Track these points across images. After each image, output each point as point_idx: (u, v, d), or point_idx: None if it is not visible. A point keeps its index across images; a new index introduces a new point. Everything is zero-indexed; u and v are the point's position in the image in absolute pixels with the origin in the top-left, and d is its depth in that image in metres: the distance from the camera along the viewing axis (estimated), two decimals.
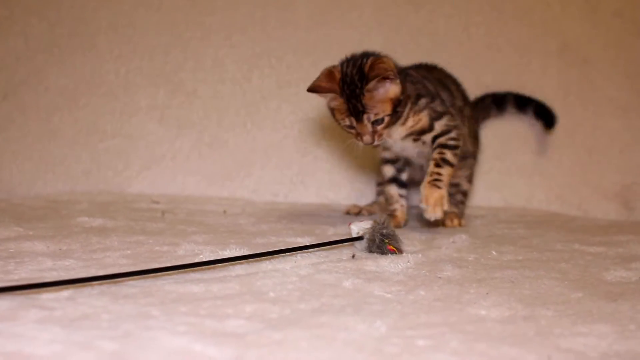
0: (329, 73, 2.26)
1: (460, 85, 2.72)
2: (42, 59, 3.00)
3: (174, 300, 1.45)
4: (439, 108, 2.38)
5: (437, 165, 2.30)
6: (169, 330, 1.25)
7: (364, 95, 2.18)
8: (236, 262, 1.76)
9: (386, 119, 2.23)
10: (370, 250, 1.97)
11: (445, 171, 2.29)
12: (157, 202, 2.74)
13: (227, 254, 1.86)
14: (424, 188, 2.28)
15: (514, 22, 3.10)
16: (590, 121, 3.03)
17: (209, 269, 1.72)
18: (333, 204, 2.89)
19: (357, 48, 3.00)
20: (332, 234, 2.26)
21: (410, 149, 2.44)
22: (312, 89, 2.26)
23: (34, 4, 3.02)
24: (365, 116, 2.21)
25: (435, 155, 2.32)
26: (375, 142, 2.25)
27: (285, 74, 3.03)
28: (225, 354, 1.17)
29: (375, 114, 2.21)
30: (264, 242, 2.05)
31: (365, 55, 2.27)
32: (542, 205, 2.95)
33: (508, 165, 3.00)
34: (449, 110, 2.41)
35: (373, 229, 1.99)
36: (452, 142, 2.34)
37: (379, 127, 2.23)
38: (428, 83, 2.43)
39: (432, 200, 2.25)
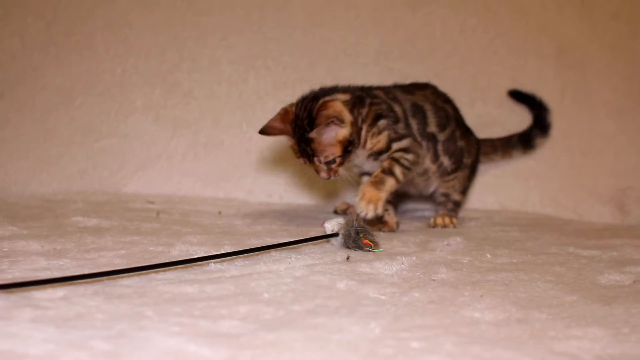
0: (284, 113, 2.29)
1: (450, 102, 2.70)
2: (38, 58, 3.00)
3: (168, 300, 1.45)
4: (401, 130, 2.39)
5: (384, 172, 2.31)
6: (163, 331, 1.25)
7: (312, 140, 2.22)
8: (224, 259, 1.76)
9: (338, 160, 2.25)
10: (347, 245, 2.00)
11: (389, 181, 2.29)
12: (152, 202, 2.74)
13: None
14: (364, 185, 2.28)
15: (510, 25, 3.10)
16: (586, 124, 3.03)
17: (201, 264, 1.72)
18: (328, 205, 2.89)
19: (354, 49, 3.01)
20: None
21: (376, 166, 2.41)
22: (264, 130, 2.31)
23: (30, 3, 3.02)
24: (315, 159, 2.25)
25: (385, 164, 2.34)
26: (332, 178, 2.28)
27: (282, 75, 3.03)
28: (219, 354, 1.17)
29: (325, 157, 2.24)
30: (259, 243, 2.05)
31: (317, 96, 2.30)
32: (537, 209, 2.95)
33: (503, 168, 3.00)
34: (412, 136, 2.43)
35: (347, 224, 2.01)
36: (405, 162, 2.35)
37: (333, 166, 2.26)
38: (397, 105, 2.44)
39: (367, 197, 2.23)
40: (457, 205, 2.67)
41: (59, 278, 1.50)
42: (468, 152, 2.66)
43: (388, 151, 2.35)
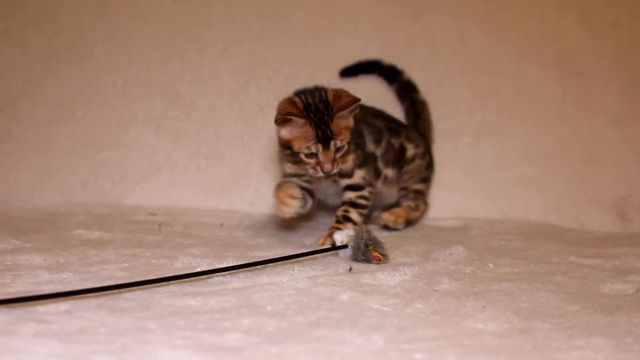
0: (291, 102, 2.26)
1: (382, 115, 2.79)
2: (39, 70, 3.00)
3: (172, 313, 1.45)
4: (361, 157, 2.44)
5: (339, 222, 2.38)
6: (167, 344, 1.25)
7: (332, 121, 2.21)
8: (227, 272, 1.76)
9: (345, 146, 2.26)
10: (355, 258, 2.00)
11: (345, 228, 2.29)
12: (154, 214, 2.74)
13: (225, 266, 1.86)
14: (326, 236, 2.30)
15: (510, 33, 3.10)
16: (587, 132, 3.03)
17: (205, 278, 1.72)
18: (330, 216, 2.89)
19: (354, 59, 3.02)
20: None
21: (329, 188, 2.49)
22: (285, 116, 2.23)
23: (31, 16, 3.02)
24: (332, 142, 2.22)
25: (340, 212, 2.41)
26: (334, 170, 2.25)
27: (283, 86, 3.02)
28: None
29: (341, 140, 2.23)
30: (262, 255, 2.05)
31: (317, 88, 2.31)
32: (539, 217, 2.95)
33: (504, 177, 3.00)
34: (367, 163, 2.48)
35: (356, 236, 2.01)
36: (361, 201, 2.42)
37: (338, 155, 2.24)
38: (363, 126, 2.52)
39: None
40: (420, 192, 2.76)
41: (63, 292, 1.50)
42: (409, 140, 2.74)
43: (350, 178, 2.43)
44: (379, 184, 2.59)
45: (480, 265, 2.03)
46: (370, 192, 2.45)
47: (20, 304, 1.43)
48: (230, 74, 3.05)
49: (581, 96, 3.06)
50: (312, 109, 2.22)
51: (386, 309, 1.57)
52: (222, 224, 2.63)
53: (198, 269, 1.83)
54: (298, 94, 2.30)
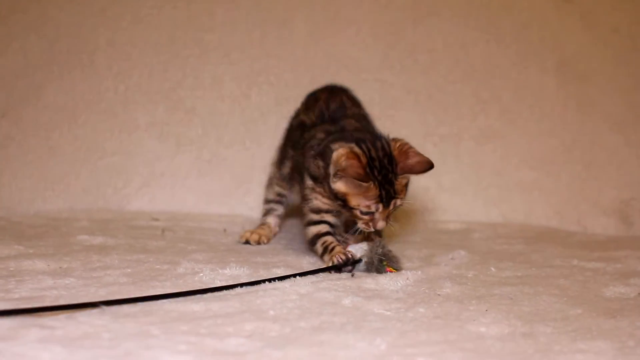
0: (355, 156, 1.98)
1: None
2: (41, 76, 3.00)
3: (175, 319, 1.45)
4: None
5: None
6: (170, 349, 1.25)
7: (397, 180, 2.00)
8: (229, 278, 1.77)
9: (399, 203, 2.03)
10: (369, 271, 1.98)
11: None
12: (157, 220, 2.74)
13: (228, 272, 1.87)
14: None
15: (511, 38, 3.10)
16: (589, 137, 3.04)
17: (206, 282, 1.72)
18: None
19: (356, 64, 3.02)
20: None
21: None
22: (353, 177, 1.97)
23: (33, 22, 3.02)
24: (393, 202, 2.01)
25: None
26: (385, 226, 2.03)
27: (284, 91, 3.03)
28: None
29: (401, 199, 2.02)
30: (265, 261, 2.06)
31: (377, 137, 2.07)
32: (541, 221, 2.95)
33: (507, 181, 3.00)
34: None
35: (370, 250, 1.99)
36: None
37: (393, 211, 2.04)
38: None
39: None
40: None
41: (67, 305, 1.50)
42: None
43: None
44: None
45: (483, 269, 2.04)
46: None
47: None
48: (231, 80, 3.05)
49: (582, 101, 3.06)
50: (377, 165, 1.98)
51: (389, 313, 1.58)
52: (225, 230, 2.63)
53: (201, 275, 1.84)
54: (358, 142, 2.02)
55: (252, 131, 3.02)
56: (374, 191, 1.97)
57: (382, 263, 1.96)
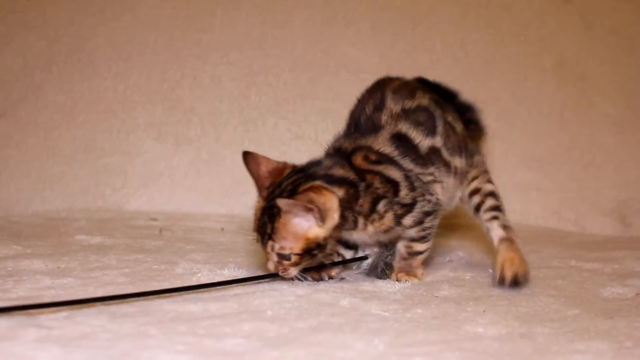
0: (280, 167, 1.88)
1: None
2: (40, 77, 3.00)
3: (173, 319, 1.45)
4: (407, 199, 1.87)
5: (404, 258, 1.94)
6: (168, 350, 1.25)
7: (279, 216, 1.75)
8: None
9: (293, 258, 1.76)
10: (368, 273, 1.97)
11: (416, 261, 1.94)
12: (155, 220, 2.74)
13: (226, 273, 1.87)
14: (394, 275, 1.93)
15: (510, 39, 3.11)
16: (587, 137, 3.04)
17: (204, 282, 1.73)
18: None
19: (354, 65, 3.02)
20: None
21: (387, 237, 1.97)
22: (248, 158, 1.91)
23: (33, 22, 3.02)
24: (269, 243, 1.77)
25: (402, 248, 1.94)
26: (280, 274, 1.80)
27: (283, 91, 3.04)
28: None
29: (281, 247, 1.76)
30: (263, 262, 2.05)
31: (314, 174, 1.82)
32: (539, 221, 2.95)
33: (504, 181, 2.99)
34: (420, 190, 1.90)
35: (378, 256, 1.99)
36: (423, 233, 1.91)
37: (285, 262, 1.78)
38: (392, 168, 1.88)
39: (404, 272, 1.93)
40: (498, 198, 2.13)
41: (65, 302, 1.50)
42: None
43: (399, 225, 1.87)
44: (451, 179, 2.02)
45: (480, 271, 2.04)
46: (434, 219, 1.93)
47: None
48: (230, 80, 3.06)
49: (581, 101, 3.06)
50: (277, 188, 1.83)
51: (386, 314, 1.58)
52: (222, 229, 2.63)
53: (199, 275, 1.84)
54: (299, 168, 1.87)
55: (251, 131, 3.02)
56: (258, 212, 1.83)
57: (385, 271, 1.95)
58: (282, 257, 1.76)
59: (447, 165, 1.98)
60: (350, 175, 1.84)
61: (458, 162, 2.03)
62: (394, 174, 1.87)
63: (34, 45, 3.01)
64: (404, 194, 1.86)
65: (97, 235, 2.35)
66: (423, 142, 1.93)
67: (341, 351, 1.30)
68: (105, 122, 3.01)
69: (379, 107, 1.96)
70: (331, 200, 1.75)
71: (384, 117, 1.94)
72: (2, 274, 1.79)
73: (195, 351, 1.25)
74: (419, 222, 1.88)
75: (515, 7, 3.13)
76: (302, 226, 1.74)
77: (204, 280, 1.80)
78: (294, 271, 1.78)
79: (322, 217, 1.73)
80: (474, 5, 3.12)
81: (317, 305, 1.61)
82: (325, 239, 1.77)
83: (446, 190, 1.99)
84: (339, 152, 1.90)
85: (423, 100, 2.01)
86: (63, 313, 1.44)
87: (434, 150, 1.95)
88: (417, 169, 1.90)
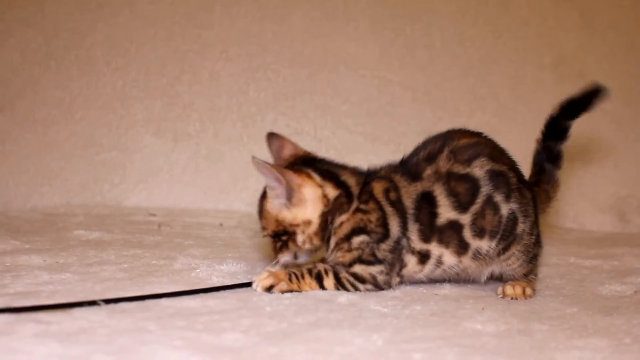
0: (301, 154, 1.93)
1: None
2: (38, 72, 3.00)
3: (171, 314, 1.45)
4: (381, 253, 1.75)
5: (311, 274, 1.75)
6: (166, 345, 1.25)
7: (265, 197, 1.84)
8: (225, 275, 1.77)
9: (271, 238, 1.82)
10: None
11: (309, 285, 1.73)
12: (154, 215, 2.74)
13: (224, 269, 1.87)
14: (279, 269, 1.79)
15: (509, 35, 3.10)
16: (586, 134, 3.03)
17: (203, 279, 1.72)
18: None
19: (354, 60, 3.02)
20: None
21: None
22: (273, 137, 1.99)
23: (31, 17, 3.02)
24: (261, 222, 1.86)
25: (321, 267, 1.76)
26: (277, 257, 1.82)
27: (282, 87, 3.03)
28: None
29: (263, 225, 1.84)
30: (262, 257, 2.06)
31: (327, 166, 1.86)
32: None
33: None
34: (392, 261, 1.76)
35: None
36: (348, 286, 1.74)
37: (275, 245, 1.82)
38: (395, 216, 1.79)
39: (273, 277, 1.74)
40: (529, 272, 1.87)
41: (67, 304, 1.50)
42: (523, 213, 1.86)
43: (349, 267, 1.75)
44: (464, 260, 1.81)
45: None
46: (368, 289, 1.76)
47: (20, 304, 1.43)
48: (229, 75, 3.05)
49: None
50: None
51: (385, 310, 1.58)
52: (221, 224, 2.63)
53: (197, 271, 1.83)
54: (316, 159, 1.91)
55: (249, 127, 3.02)
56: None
57: None
58: (270, 236, 1.81)
59: (463, 244, 1.79)
60: (355, 190, 1.80)
61: (484, 245, 1.80)
62: (394, 227, 1.78)
63: (32, 40, 3.01)
64: (384, 249, 1.75)
65: (95, 231, 2.35)
66: (446, 213, 1.78)
67: (340, 347, 1.29)
68: (104, 118, 3.00)
69: (431, 158, 1.84)
70: (310, 190, 1.77)
71: (428, 171, 1.82)
72: (0, 269, 1.79)
73: (194, 346, 1.25)
74: (354, 276, 1.74)
75: (514, 3, 3.12)
76: (275, 207, 1.79)
77: (203, 275, 1.80)
78: (282, 257, 1.80)
79: (288, 197, 1.76)
80: (473, 2, 3.12)
81: (316, 301, 1.61)
82: (293, 226, 1.77)
83: (447, 269, 1.81)
84: (370, 171, 1.88)
85: (477, 170, 1.83)
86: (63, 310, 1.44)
87: (453, 225, 1.78)
88: (415, 239, 1.78)
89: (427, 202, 1.79)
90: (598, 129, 3.02)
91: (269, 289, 1.69)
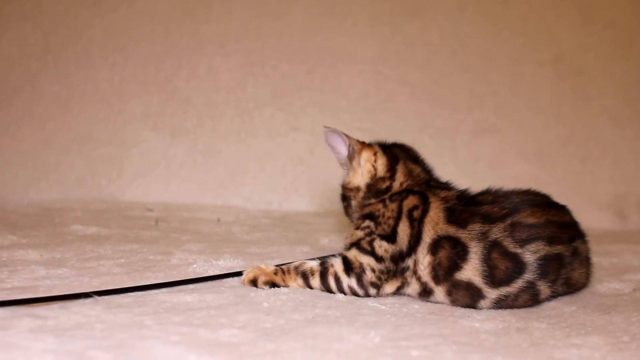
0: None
1: None
2: (36, 67, 2.99)
3: (168, 309, 1.44)
4: (378, 250, 1.70)
5: (303, 273, 1.73)
6: (163, 340, 1.24)
7: None
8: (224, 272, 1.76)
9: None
10: None
11: (296, 282, 1.72)
12: (151, 210, 2.74)
13: (222, 264, 1.86)
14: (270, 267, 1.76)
15: (508, 33, 3.10)
16: (584, 131, 3.04)
17: (201, 274, 1.72)
18: (327, 212, 2.89)
19: (352, 56, 3.02)
20: (326, 242, 2.26)
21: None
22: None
23: (29, 12, 3.01)
24: None
25: (315, 266, 1.73)
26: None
27: (280, 83, 3.03)
28: None
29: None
30: (259, 252, 2.05)
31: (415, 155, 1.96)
32: None
33: (502, 175, 3.00)
34: (390, 269, 1.70)
35: None
36: (332, 283, 1.69)
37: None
38: (405, 226, 1.74)
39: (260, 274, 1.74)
40: None
41: (61, 296, 1.50)
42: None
43: (348, 249, 1.74)
44: None
45: None
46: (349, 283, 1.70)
47: (17, 299, 1.42)
48: (227, 71, 3.05)
49: (579, 95, 3.06)
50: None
51: (383, 307, 1.57)
52: (218, 219, 2.62)
53: (194, 266, 1.83)
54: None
55: (247, 122, 3.02)
56: None
57: None
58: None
59: (475, 303, 1.64)
60: (396, 187, 1.84)
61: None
62: (402, 237, 1.71)
63: (30, 35, 3.01)
64: (385, 248, 1.70)
65: (92, 226, 2.34)
66: (470, 275, 1.63)
67: (337, 343, 1.29)
68: (101, 113, 3.00)
69: (487, 219, 1.68)
70: (367, 154, 1.88)
71: (477, 228, 1.66)
72: None
73: (191, 342, 1.25)
74: (344, 261, 1.70)
75: (513, 0, 3.12)
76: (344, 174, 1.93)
77: (200, 270, 1.79)
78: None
79: (350, 156, 1.89)
80: None
81: (313, 297, 1.61)
82: (348, 191, 1.90)
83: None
84: (430, 181, 1.88)
85: (528, 255, 1.65)
86: (58, 303, 1.43)
87: (471, 288, 1.63)
88: (425, 272, 1.67)
89: (454, 247, 1.65)
90: (597, 126, 3.02)
91: (254, 282, 1.69)
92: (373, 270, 1.68)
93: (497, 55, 3.10)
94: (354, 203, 1.89)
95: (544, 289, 1.65)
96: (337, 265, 1.70)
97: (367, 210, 1.80)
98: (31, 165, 2.92)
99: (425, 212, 1.72)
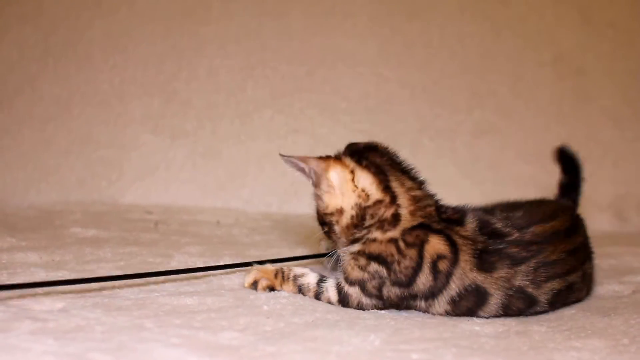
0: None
1: None
2: (36, 69, 2.99)
3: (168, 312, 1.44)
4: (386, 293, 1.58)
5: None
6: (163, 342, 1.25)
7: None
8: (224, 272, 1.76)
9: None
10: (336, 268, 1.88)
11: (286, 287, 1.67)
12: (151, 213, 2.73)
13: None
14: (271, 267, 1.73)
15: (507, 33, 3.10)
16: (584, 132, 3.03)
17: (201, 276, 1.72)
18: None
19: (352, 57, 3.02)
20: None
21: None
22: None
23: (29, 13, 3.01)
24: None
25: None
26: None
27: (280, 85, 3.03)
28: None
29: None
30: (259, 255, 2.05)
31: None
32: None
33: (502, 176, 3.00)
34: (392, 303, 1.60)
35: None
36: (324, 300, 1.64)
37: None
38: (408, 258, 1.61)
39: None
40: None
41: (59, 281, 1.50)
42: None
43: (346, 282, 1.62)
44: None
45: None
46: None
47: (17, 301, 1.42)
48: (227, 72, 3.05)
49: (579, 95, 3.06)
50: None
51: (383, 311, 1.57)
52: (218, 222, 2.62)
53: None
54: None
55: (247, 124, 3.02)
56: None
57: None
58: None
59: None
60: (406, 216, 1.63)
61: None
62: (421, 284, 1.58)
63: (30, 37, 3.00)
64: (395, 292, 1.58)
65: (92, 228, 2.34)
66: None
67: (337, 346, 1.29)
68: (101, 115, 3.00)
69: (515, 260, 1.58)
70: (337, 171, 1.64)
71: (503, 272, 1.57)
72: None
73: (191, 344, 1.25)
74: (342, 293, 1.61)
75: (513, 0, 3.12)
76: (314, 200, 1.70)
77: (199, 273, 1.79)
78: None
79: (316, 183, 1.66)
80: None
81: (313, 302, 1.61)
82: (328, 216, 1.65)
83: None
84: (448, 210, 1.74)
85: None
86: (58, 306, 1.44)
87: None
88: (438, 310, 1.59)
89: (477, 295, 1.56)
90: (597, 127, 3.02)
91: (254, 284, 1.66)
92: (374, 306, 1.60)
93: (497, 55, 3.10)
94: (337, 228, 1.65)
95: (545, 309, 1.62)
96: (333, 295, 1.62)
97: (371, 248, 1.59)
98: (31, 168, 2.92)
99: (454, 263, 1.56)
